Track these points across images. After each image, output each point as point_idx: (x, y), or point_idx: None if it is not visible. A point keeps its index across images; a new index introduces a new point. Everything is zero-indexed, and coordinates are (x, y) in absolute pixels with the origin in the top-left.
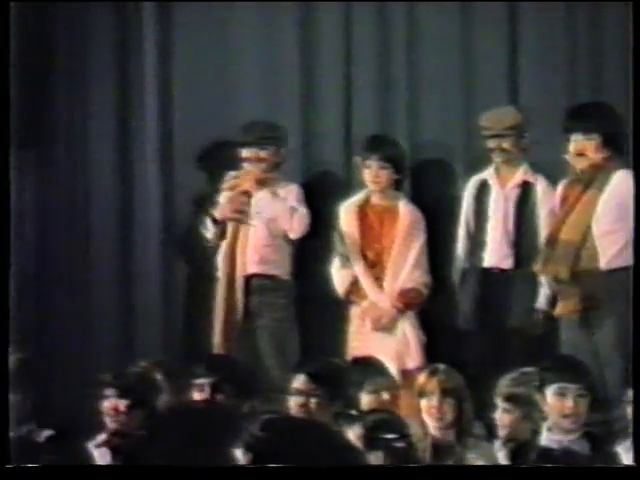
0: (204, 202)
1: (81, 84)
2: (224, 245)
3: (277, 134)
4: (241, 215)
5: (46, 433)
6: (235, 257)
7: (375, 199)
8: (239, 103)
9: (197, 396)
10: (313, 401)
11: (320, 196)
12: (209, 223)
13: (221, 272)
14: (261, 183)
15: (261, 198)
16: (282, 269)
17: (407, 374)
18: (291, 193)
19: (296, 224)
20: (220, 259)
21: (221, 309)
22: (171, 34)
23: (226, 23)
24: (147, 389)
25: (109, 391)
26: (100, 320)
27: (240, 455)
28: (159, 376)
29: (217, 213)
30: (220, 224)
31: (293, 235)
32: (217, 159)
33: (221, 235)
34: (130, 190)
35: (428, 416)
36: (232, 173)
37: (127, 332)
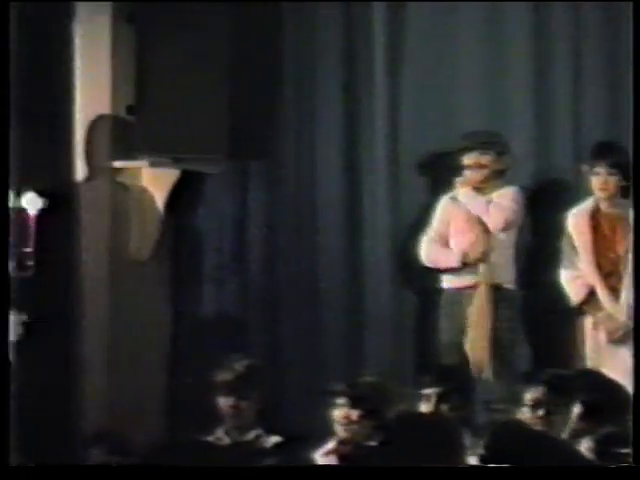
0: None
1: (309, 93)
2: None
3: (497, 140)
4: (486, 255)
5: (274, 439)
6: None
7: (604, 207)
8: (467, 111)
9: (424, 406)
10: (545, 412)
11: (549, 203)
12: (449, 258)
13: (446, 282)
14: (481, 190)
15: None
16: (506, 278)
17: None
18: (507, 195)
19: (493, 215)
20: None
21: (447, 319)
22: (400, 38)
23: (452, 26)
24: (379, 399)
25: (341, 400)
26: (329, 329)
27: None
28: (389, 386)
29: (466, 256)
30: (464, 265)
31: (492, 228)
32: (439, 167)
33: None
34: (358, 201)
35: None
36: (453, 179)
37: (356, 341)
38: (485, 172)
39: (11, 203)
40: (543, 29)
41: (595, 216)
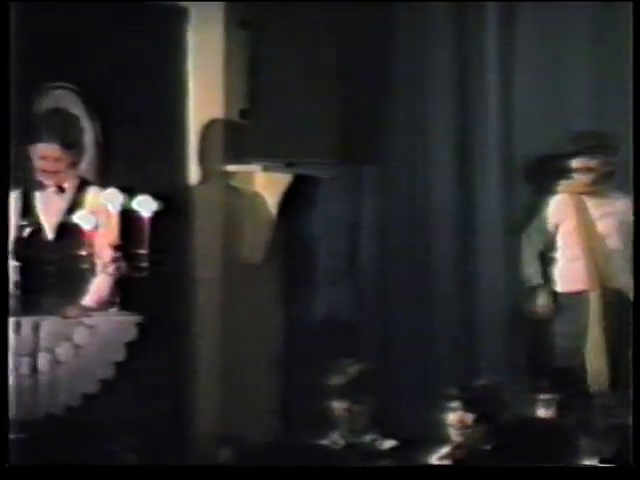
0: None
1: (420, 96)
2: None
3: (606, 142)
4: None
5: (389, 443)
6: None
7: None
8: (578, 111)
9: (540, 411)
10: None
11: None
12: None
13: (560, 286)
14: (592, 193)
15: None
16: (622, 282)
17: None
18: (625, 208)
19: None
20: None
21: (563, 323)
22: (511, 40)
23: (562, 27)
24: (494, 403)
25: (456, 404)
26: (442, 332)
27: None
28: (505, 391)
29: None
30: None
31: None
32: (549, 170)
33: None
34: (470, 203)
35: None
36: (562, 183)
37: (470, 344)
38: (593, 175)
39: (124, 205)
40: None
41: None
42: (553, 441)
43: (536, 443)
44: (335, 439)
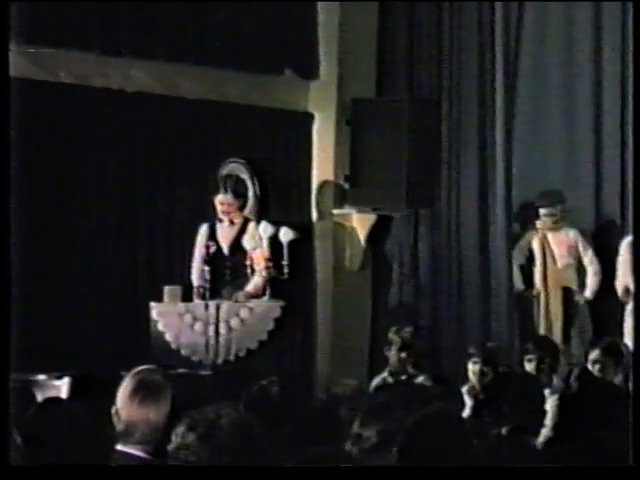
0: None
1: (456, 162)
2: None
3: (560, 198)
4: None
5: (420, 379)
6: None
7: None
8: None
9: (527, 367)
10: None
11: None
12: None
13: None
14: (551, 229)
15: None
16: (566, 284)
17: None
18: (575, 235)
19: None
20: None
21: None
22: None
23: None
24: (499, 360)
25: (475, 359)
26: (468, 311)
27: None
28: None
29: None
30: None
31: (589, 295)
32: (526, 214)
33: None
34: (486, 230)
35: None
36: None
37: (485, 319)
38: (553, 218)
39: (272, 234)
40: None
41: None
42: (533, 385)
43: (524, 387)
44: (385, 376)
